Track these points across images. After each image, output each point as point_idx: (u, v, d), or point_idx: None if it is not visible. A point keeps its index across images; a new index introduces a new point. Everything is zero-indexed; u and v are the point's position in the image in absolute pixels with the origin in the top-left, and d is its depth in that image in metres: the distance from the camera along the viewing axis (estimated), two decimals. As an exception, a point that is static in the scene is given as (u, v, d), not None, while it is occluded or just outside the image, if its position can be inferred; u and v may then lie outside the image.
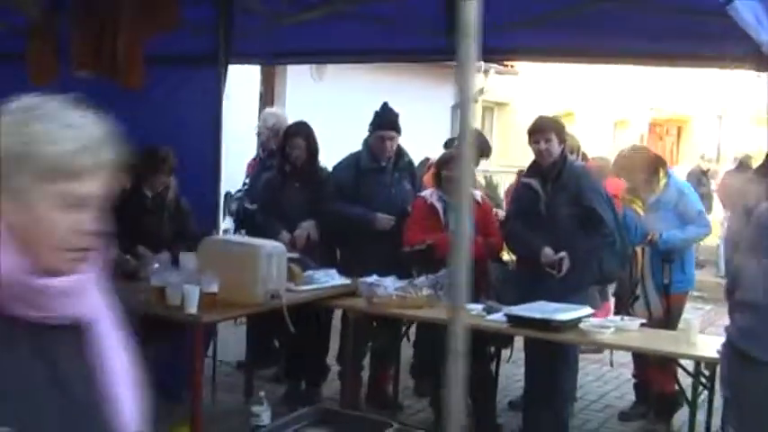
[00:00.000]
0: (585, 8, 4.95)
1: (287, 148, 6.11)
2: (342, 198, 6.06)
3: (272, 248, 5.01)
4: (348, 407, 5.64)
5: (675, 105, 25.06)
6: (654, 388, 6.02)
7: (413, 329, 6.03)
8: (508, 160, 14.12)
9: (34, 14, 3.04)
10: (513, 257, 6.05)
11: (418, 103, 13.24)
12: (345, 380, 5.96)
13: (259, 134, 7.04)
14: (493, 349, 5.92)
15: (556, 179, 5.40)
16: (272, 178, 6.29)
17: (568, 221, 5.35)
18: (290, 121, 6.68)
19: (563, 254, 5.28)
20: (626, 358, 6.33)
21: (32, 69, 3.27)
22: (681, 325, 4.88)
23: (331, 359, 6.31)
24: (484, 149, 6.94)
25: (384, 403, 6.10)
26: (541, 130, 5.47)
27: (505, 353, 5.92)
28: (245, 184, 7.12)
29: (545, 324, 4.88)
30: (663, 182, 5.93)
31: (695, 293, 7.95)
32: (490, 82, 14.79)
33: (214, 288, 4.73)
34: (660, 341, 4.96)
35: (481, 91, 14.31)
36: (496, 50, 5.50)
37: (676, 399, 6.02)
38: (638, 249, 5.88)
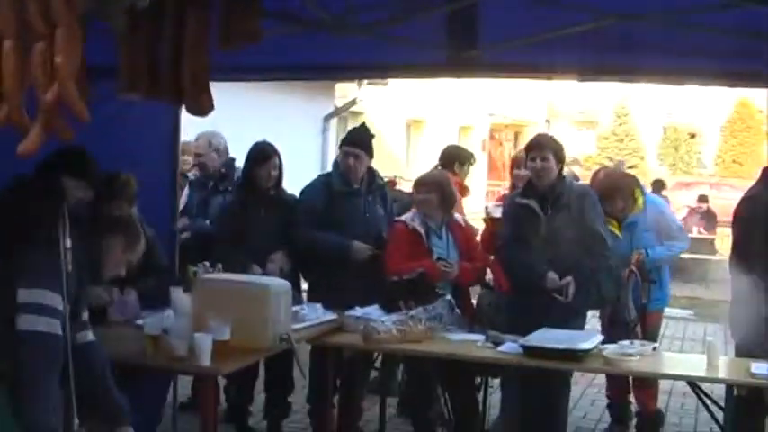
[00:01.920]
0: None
1: (256, 171, 5.60)
2: (312, 224, 5.61)
3: (280, 287, 4.53)
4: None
5: (511, 111, 25.81)
6: (638, 406, 5.95)
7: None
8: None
9: (120, 25, 2.51)
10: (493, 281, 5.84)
11: (293, 117, 12.92)
12: (321, 417, 5.56)
13: (199, 155, 6.47)
14: (479, 379, 5.67)
15: (555, 200, 5.20)
16: (232, 205, 5.77)
17: (570, 244, 5.15)
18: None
19: (569, 278, 5.07)
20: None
21: (122, 82, 2.73)
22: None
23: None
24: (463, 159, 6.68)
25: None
26: (538, 148, 5.25)
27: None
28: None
29: (569, 354, 4.66)
30: (640, 201, 5.88)
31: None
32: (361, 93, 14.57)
33: (226, 335, 4.20)
34: (680, 365, 4.87)
35: (354, 102, 14.05)
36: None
37: (659, 417, 6.00)
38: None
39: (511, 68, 5.17)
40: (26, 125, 2.17)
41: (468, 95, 20.85)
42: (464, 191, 6.65)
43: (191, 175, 6.81)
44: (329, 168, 6.16)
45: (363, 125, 5.79)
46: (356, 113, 18.31)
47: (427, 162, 20.53)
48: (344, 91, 14.58)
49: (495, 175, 24.65)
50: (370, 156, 5.73)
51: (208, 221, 6.11)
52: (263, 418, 5.93)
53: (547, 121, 29.81)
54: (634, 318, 5.63)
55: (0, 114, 2.19)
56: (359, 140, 5.72)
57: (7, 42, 2.15)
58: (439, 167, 6.52)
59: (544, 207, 5.20)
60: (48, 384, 2.98)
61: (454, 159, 6.63)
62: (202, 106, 3.21)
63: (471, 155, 6.93)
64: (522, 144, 27.08)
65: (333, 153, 14.66)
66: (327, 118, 14.06)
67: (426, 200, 5.55)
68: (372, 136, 5.74)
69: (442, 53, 4.73)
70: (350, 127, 18.87)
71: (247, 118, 10.75)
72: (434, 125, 21.89)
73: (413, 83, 17.48)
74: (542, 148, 5.24)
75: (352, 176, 5.66)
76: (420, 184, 5.70)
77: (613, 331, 5.57)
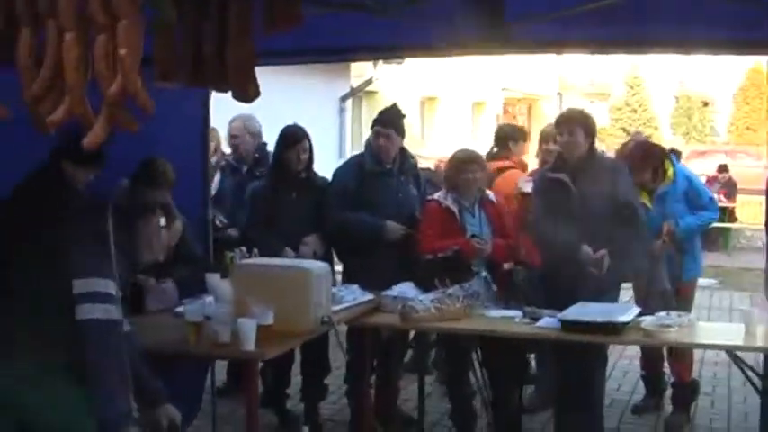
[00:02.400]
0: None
1: (287, 154, 5.61)
2: (345, 205, 5.62)
3: (320, 270, 4.55)
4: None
5: (523, 86, 25.71)
6: (673, 377, 5.96)
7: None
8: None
9: (170, 14, 2.49)
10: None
11: (310, 99, 12.91)
12: (359, 397, 5.57)
13: (234, 136, 6.47)
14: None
15: (587, 173, 5.19)
16: (263, 190, 5.77)
17: (602, 217, 5.15)
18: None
19: (604, 251, 5.08)
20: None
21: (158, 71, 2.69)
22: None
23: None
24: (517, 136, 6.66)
25: (401, 419, 5.81)
26: (566, 122, 5.25)
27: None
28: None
29: (608, 327, 4.67)
30: (670, 172, 5.85)
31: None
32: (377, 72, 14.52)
33: (270, 320, 4.22)
34: (718, 335, 4.87)
35: (369, 81, 14.01)
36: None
37: (695, 387, 6.01)
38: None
39: (536, 45, 5.13)
40: (89, 118, 2.17)
41: (481, 72, 20.78)
42: (524, 167, 6.66)
43: (214, 160, 6.81)
44: (347, 149, 6.18)
45: (395, 105, 5.77)
46: (370, 93, 18.30)
47: (442, 139, 20.56)
48: (359, 71, 14.52)
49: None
50: (402, 135, 5.73)
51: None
52: (300, 400, 5.96)
53: (559, 94, 29.68)
54: (670, 289, 5.62)
55: (62, 108, 2.18)
56: (390, 121, 5.71)
57: (68, 35, 2.15)
58: (494, 149, 6.48)
59: (576, 181, 5.19)
60: (112, 372, 2.99)
61: (508, 138, 6.60)
62: (248, 92, 3.18)
63: (524, 131, 6.94)
64: (536, 118, 27.01)
65: (350, 133, 14.64)
66: (344, 99, 14.02)
67: (481, 178, 5.53)
68: (404, 116, 5.74)
69: (472, 30, 4.68)
70: (365, 107, 18.95)
71: (266, 102, 10.75)
72: (448, 102, 21.85)
73: (427, 61, 17.44)
74: (570, 122, 5.24)
75: (384, 156, 5.66)
76: (469, 161, 5.56)
77: (649, 303, 5.57)
